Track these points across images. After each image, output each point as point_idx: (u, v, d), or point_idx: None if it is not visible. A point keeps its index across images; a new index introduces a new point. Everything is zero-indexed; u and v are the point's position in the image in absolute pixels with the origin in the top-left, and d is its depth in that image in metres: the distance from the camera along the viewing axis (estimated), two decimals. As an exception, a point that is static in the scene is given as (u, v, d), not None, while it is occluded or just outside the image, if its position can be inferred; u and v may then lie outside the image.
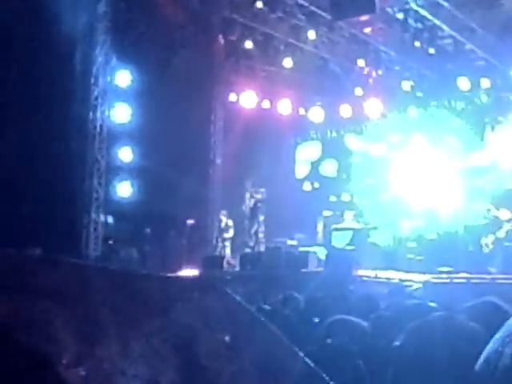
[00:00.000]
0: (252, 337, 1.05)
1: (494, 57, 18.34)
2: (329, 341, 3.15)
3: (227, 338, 1.01)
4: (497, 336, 1.03)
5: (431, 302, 4.80)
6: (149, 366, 0.92)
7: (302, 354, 1.12)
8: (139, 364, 0.91)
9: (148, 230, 16.70)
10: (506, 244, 15.98)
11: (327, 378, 1.17)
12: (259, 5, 16.71)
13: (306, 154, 23.83)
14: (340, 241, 18.76)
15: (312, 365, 1.14)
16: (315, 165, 23.59)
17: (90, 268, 1.10)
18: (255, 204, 18.92)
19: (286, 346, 1.08)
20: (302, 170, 23.82)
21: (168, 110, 16.52)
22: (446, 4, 16.16)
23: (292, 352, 1.11)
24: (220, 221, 18.17)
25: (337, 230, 19.48)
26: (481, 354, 1.84)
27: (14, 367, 0.85)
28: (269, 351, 1.05)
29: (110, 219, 16.07)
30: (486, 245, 15.88)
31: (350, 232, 18.99)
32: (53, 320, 0.90)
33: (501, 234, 16.57)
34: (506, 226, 17.08)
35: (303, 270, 14.45)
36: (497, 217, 17.10)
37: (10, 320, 0.88)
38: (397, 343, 1.91)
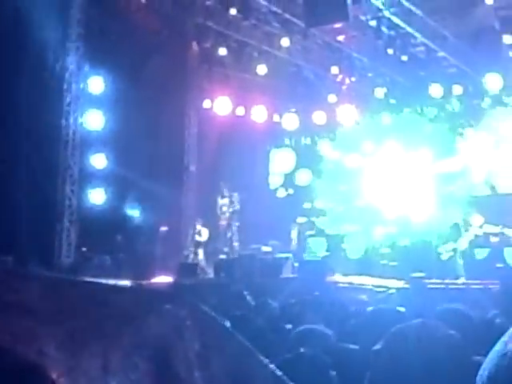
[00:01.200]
0: (222, 347, 1.04)
1: (466, 64, 18.59)
2: (302, 350, 3.15)
3: (198, 348, 1.01)
4: (495, 349, 1.03)
5: (404, 307, 4.83)
6: (129, 379, 0.92)
7: (271, 365, 1.11)
8: (120, 377, 0.91)
9: (121, 238, 16.59)
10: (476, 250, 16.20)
11: None
12: (233, 12, 16.74)
13: (280, 163, 23.83)
14: (315, 247, 18.83)
15: (281, 376, 1.14)
16: (289, 175, 23.63)
17: (67, 282, 1.09)
18: (230, 211, 18.87)
19: (256, 356, 1.08)
20: (276, 179, 23.85)
21: (141, 117, 16.46)
22: (418, 12, 16.34)
23: (262, 363, 1.10)
24: (194, 228, 18.11)
25: (311, 236, 19.54)
26: (457, 359, 1.85)
27: (9, 377, 0.85)
28: (239, 362, 1.05)
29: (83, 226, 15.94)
30: (442, 251, 15.98)
31: (324, 239, 19.06)
32: (38, 336, 0.89)
33: (469, 239, 16.75)
34: (477, 232, 17.27)
35: (278, 276, 14.46)
36: (468, 223, 17.27)
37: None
38: (376, 347, 1.92)
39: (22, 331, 0.89)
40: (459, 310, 4.16)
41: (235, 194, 18.85)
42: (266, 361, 1.05)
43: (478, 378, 1.06)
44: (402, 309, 4.69)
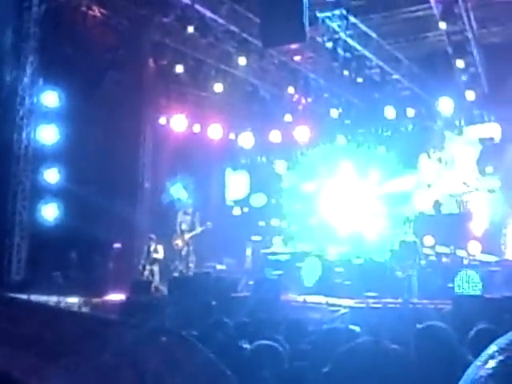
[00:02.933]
0: (186, 363, 1.02)
1: (419, 87, 18.94)
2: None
3: (155, 364, 0.99)
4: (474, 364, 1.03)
5: (357, 326, 4.85)
6: None
7: (233, 379, 1.10)
8: None
9: (73, 254, 16.34)
10: (428, 270, 16.42)
11: None
12: (190, 30, 16.75)
13: (235, 188, 23.80)
14: (271, 266, 18.86)
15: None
16: (244, 199, 23.61)
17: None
18: (190, 233, 18.75)
19: (222, 370, 1.06)
20: (232, 195, 23.83)
21: (96, 133, 16.30)
22: (373, 35, 16.62)
23: (225, 376, 1.09)
24: (148, 245, 17.94)
25: (266, 254, 19.55)
26: (409, 377, 1.85)
27: None
28: (201, 375, 1.03)
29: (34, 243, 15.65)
30: (395, 270, 16.15)
31: (279, 257, 19.09)
32: (42, 374, 0.86)
33: (421, 258, 16.99)
34: (429, 252, 17.53)
35: (232, 294, 14.40)
36: (420, 243, 17.52)
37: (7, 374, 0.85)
38: (325, 369, 1.90)
39: (26, 367, 0.86)
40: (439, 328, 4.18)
41: (197, 214, 18.79)
42: (231, 375, 1.03)
43: None
44: (357, 328, 4.71)
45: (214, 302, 11.84)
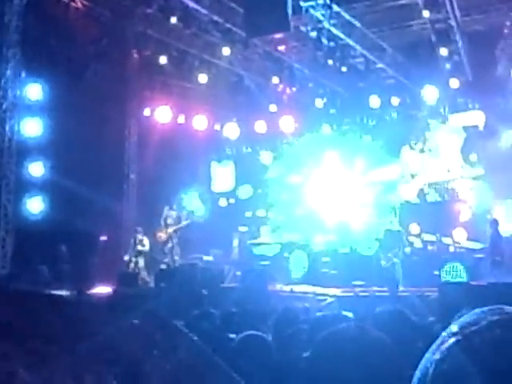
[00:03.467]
0: (176, 347, 1.03)
1: (404, 76, 18.97)
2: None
3: (147, 353, 0.99)
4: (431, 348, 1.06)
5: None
6: None
7: (224, 367, 1.10)
8: None
9: (63, 248, 16.27)
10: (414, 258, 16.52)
11: None
12: (173, 20, 16.67)
13: (221, 181, 23.69)
14: (258, 256, 18.90)
15: (233, 375, 1.13)
16: (230, 191, 23.54)
17: (35, 296, 1.05)
18: (174, 226, 18.74)
19: (208, 355, 1.07)
20: (218, 188, 23.74)
21: (81, 125, 16.19)
22: (357, 24, 16.61)
23: (215, 364, 1.09)
24: (135, 237, 17.91)
25: (253, 245, 19.57)
26: (388, 361, 1.86)
27: None
28: (192, 363, 1.03)
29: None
30: (381, 259, 16.22)
31: (266, 247, 19.13)
32: (10, 357, 0.86)
33: (407, 247, 17.09)
34: (415, 240, 17.63)
35: (219, 285, 14.40)
36: (407, 231, 17.61)
37: None
38: (305, 354, 1.91)
39: None
40: (400, 312, 4.22)
41: (184, 210, 18.80)
42: (219, 360, 1.04)
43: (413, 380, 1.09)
44: (350, 314, 4.73)
45: (204, 292, 11.86)
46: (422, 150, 20.33)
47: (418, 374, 1.05)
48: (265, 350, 3.77)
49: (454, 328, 1.05)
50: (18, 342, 0.91)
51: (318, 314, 4.77)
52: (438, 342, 1.06)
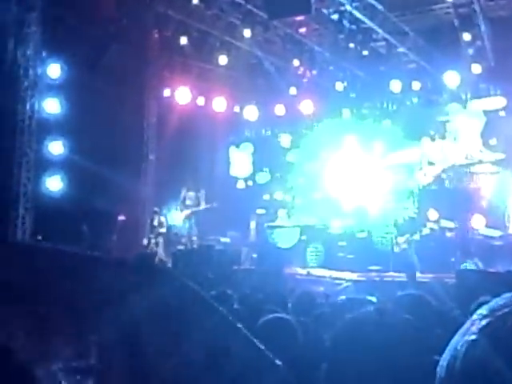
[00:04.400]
0: (201, 321, 1.02)
1: (425, 60, 18.78)
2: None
3: (174, 329, 0.98)
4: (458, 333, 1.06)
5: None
6: (100, 361, 0.89)
7: (252, 338, 1.09)
8: (91, 359, 0.88)
9: (84, 227, 16.38)
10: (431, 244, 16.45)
11: (279, 364, 1.15)
12: (195, 1, 16.61)
13: (239, 166, 23.60)
14: (276, 239, 18.92)
15: (263, 349, 1.12)
16: (249, 177, 23.50)
17: (41, 251, 1.04)
18: (193, 208, 18.83)
19: (237, 329, 1.06)
20: (236, 172, 23.67)
21: (100, 104, 16.23)
22: (379, 7, 16.44)
23: (243, 335, 1.08)
24: (153, 217, 18.00)
25: (270, 227, 19.59)
26: (412, 345, 1.85)
27: None
28: (218, 335, 1.03)
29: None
30: (398, 244, 16.20)
31: (284, 230, 19.14)
32: (10, 319, 0.85)
33: (425, 232, 17.04)
34: (433, 226, 17.54)
35: (236, 267, 14.47)
36: (425, 217, 17.54)
37: None
38: (329, 338, 1.91)
39: None
40: (421, 296, 4.21)
41: (202, 191, 18.84)
42: (247, 333, 1.03)
43: (438, 367, 1.09)
44: (373, 298, 4.72)
45: (216, 275, 11.90)
46: (442, 137, 20.18)
47: (447, 356, 1.04)
48: (290, 332, 3.77)
49: (484, 311, 1.05)
50: (19, 302, 0.90)
51: (342, 297, 4.76)
52: (467, 325, 1.05)
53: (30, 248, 1.08)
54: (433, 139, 20.16)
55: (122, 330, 0.93)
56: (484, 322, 1.02)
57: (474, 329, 1.02)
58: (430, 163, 20.07)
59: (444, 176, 19.85)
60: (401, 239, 16.32)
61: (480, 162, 19.39)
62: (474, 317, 1.06)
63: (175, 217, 18.72)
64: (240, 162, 23.52)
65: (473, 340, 1.00)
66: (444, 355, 1.07)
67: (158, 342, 0.95)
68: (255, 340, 1.10)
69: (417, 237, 16.46)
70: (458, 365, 1.01)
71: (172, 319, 0.99)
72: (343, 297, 4.78)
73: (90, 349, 0.89)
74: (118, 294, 0.97)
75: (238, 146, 23.58)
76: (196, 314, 1.04)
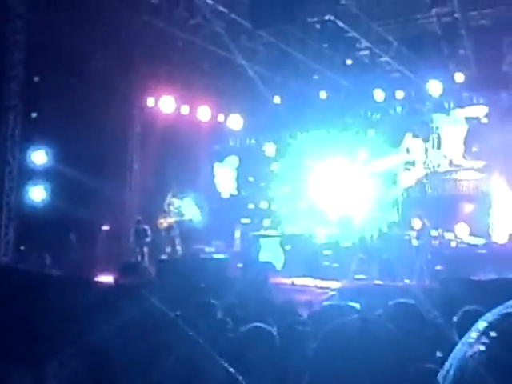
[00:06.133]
0: (172, 344, 1.00)
1: (408, 69, 18.88)
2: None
3: (145, 349, 0.96)
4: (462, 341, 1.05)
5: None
6: None
7: (222, 362, 1.08)
8: None
9: (71, 236, 16.28)
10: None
11: None
12: (178, 10, 16.59)
13: (224, 182, 23.56)
14: (261, 248, 18.90)
15: (234, 373, 1.11)
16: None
17: (24, 273, 1.02)
18: (176, 216, 18.79)
19: (209, 353, 1.04)
20: (221, 189, 23.61)
21: (84, 113, 16.17)
22: (363, 16, 16.51)
23: (213, 360, 1.07)
24: (137, 227, 17.91)
25: (255, 237, 19.57)
26: (396, 355, 1.84)
27: None
28: (190, 359, 1.01)
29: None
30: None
31: (269, 239, 19.12)
32: None
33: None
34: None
35: (221, 277, 14.40)
36: (409, 225, 17.59)
37: None
38: (312, 347, 1.89)
39: None
40: (406, 304, 4.20)
41: (186, 200, 18.80)
42: (218, 358, 1.02)
43: (440, 376, 1.07)
44: (357, 305, 4.71)
45: (202, 284, 11.84)
46: (425, 140, 20.35)
47: (452, 366, 1.03)
48: (270, 342, 3.75)
49: (489, 319, 1.04)
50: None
51: (325, 303, 4.74)
52: (472, 334, 1.04)
53: (9, 269, 1.05)
54: (415, 135, 20.31)
55: (85, 353, 0.90)
56: (493, 334, 1.01)
57: (484, 339, 1.01)
58: (412, 162, 20.20)
59: (426, 181, 19.96)
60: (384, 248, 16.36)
61: (463, 169, 19.53)
62: (480, 325, 1.05)
63: (159, 222, 18.66)
64: (225, 178, 23.49)
65: (482, 351, 0.99)
66: (448, 364, 1.06)
67: (125, 363, 0.92)
68: (224, 362, 1.09)
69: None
70: (468, 374, 1.00)
71: (141, 341, 0.97)
72: (327, 303, 4.77)
73: (49, 378, 0.86)
74: (79, 315, 0.94)
75: (221, 161, 23.52)
76: (165, 336, 1.02)
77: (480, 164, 19.00)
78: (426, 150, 20.39)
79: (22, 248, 15.40)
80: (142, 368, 0.93)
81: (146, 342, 0.96)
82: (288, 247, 18.58)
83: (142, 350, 0.94)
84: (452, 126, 20.04)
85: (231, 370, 1.09)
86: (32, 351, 0.87)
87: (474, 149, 19.29)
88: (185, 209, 19.01)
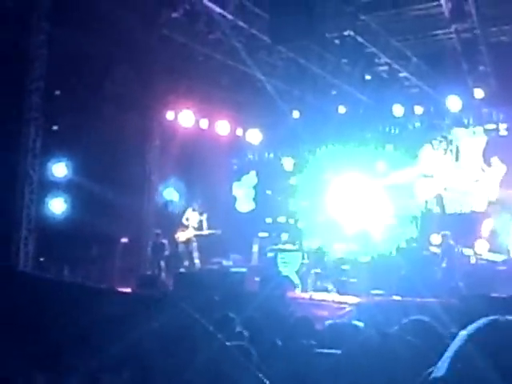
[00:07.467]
0: (202, 349, 1.03)
1: (427, 85, 18.87)
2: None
3: (175, 354, 0.99)
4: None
5: (364, 322, 4.84)
6: None
7: (252, 368, 1.10)
8: None
9: (94, 249, 16.40)
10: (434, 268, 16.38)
11: None
12: (198, 25, 16.71)
13: (243, 202, 23.62)
14: (279, 262, 18.89)
15: (261, 377, 1.13)
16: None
17: (49, 282, 1.05)
18: (195, 230, 18.85)
19: (236, 358, 1.07)
20: (240, 208, 23.67)
21: (104, 126, 16.31)
22: (382, 32, 16.55)
23: (241, 364, 1.09)
24: (155, 240, 17.98)
25: (273, 251, 19.56)
26: (414, 370, 1.86)
27: None
28: (218, 362, 1.03)
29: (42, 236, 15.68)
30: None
31: (287, 253, 19.10)
32: (8, 347, 0.85)
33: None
34: (436, 250, 17.48)
35: (239, 291, 14.41)
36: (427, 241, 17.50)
37: None
38: (333, 363, 1.91)
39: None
40: (421, 321, 4.19)
41: (205, 214, 18.87)
42: (248, 364, 1.04)
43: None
44: (360, 323, 4.71)
45: (219, 298, 11.85)
46: (444, 152, 20.30)
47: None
48: (285, 359, 3.76)
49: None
50: (23, 329, 0.90)
51: (327, 322, 4.74)
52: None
53: (34, 278, 1.08)
54: (433, 148, 20.26)
55: (126, 358, 0.93)
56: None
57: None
58: (430, 175, 20.15)
59: (444, 195, 19.89)
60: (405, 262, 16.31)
61: (481, 181, 19.46)
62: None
63: (177, 236, 18.73)
64: (243, 198, 23.56)
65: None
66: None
67: (160, 366, 0.95)
68: (252, 366, 1.12)
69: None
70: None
71: (172, 345, 1.00)
72: (329, 321, 4.77)
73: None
74: (119, 322, 0.97)
75: (239, 180, 23.58)
76: (195, 339, 1.04)
77: (499, 174, 18.92)
78: (445, 162, 20.32)
79: (42, 260, 15.50)
80: (175, 367, 0.96)
81: (177, 344, 0.99)
82: (306, 261, 18.55)
83: (174, 352, 0.97)
84: (471, 138, 20.00)
85: (261, 375, 1.12)
86: (56, 358, 0.90)
87: (492, 160, 19.24)
88: (203, 222, 19.05)
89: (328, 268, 17.91)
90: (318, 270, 17.38)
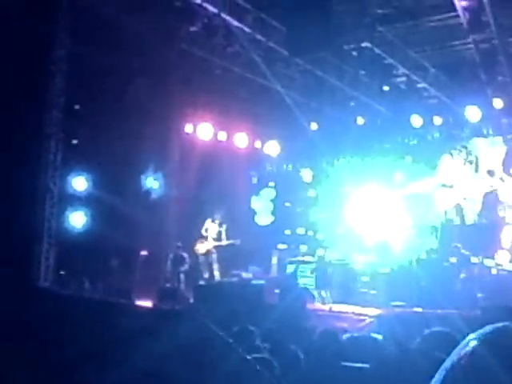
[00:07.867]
0: (222, 362, 1.05)
1: (446, 95, 18.82)
2: None
3: (195, 367, 1.01)
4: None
5: (383, 335, 4.83)
6: None
7: (273, 379, 1.12)
8: None
9: (114, 262, 16.48)
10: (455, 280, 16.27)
11: None
12: (217, 39, 16.81)
13: (261, 217, 23.63)
14: (298, 274, 18.87)
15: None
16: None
17: (69, 298, 1.07)
18: (214, 241, 18.89)
19: (257, 370, 1.09)
20: (260, 222, 23.68)
21: (123, 139, 16.42)
22: (400, 43, 16.55)
23: (262, 376, 1.11)
24: (175, 252, 18.03)
25: (292, 263, 19.53)
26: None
27: None
28: (239, 375, 1.05)
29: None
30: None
31: (306, 265, 19.07)
32: (28, 363, 0.88)
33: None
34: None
35: (259, 303, 14.39)
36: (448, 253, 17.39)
37: None
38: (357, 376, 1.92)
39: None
40: (447, 333, 4.18)
41: (224, 226, 18.90)
42: (269, 376, 1.06)
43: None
44: (379, 336, 4.69)
45: (239, 310, 11.85)
46: (463, 162, 20.23)
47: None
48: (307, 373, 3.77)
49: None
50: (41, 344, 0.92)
51: (345, 336, 4.73)
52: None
53: (55, 294, 1.11)
54: (453, 158, 20.20)
55: (147, 373, 0.95)
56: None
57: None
58: (449, 185, 20.06)
59: (462, 206, 19.77)
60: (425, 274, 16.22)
61: (501, 191, 19.35)
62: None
63: (196, 248, 18.76)
64: (262, 211, 23.58)
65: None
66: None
67: (181, 380, 0.97)
68: (274, 378, 1.14)
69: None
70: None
71: (193, 358, 1.02)
72: (348, 334, 4.76)
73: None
74: (138, 337, 0.99)
75: (258, 194, 23.59)
76: (215, 353, 1.07)
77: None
78: (464, 172, 20.24)
79: (62, 273, 15.60)
80: (195, 379, 0.98)
81: (197, 357, 1.01)
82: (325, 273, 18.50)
83: (194, 365, 0.99)
84: (490, 148, 19.91)
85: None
86: (77, 374, 0.92)
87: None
88: (222, 233, 19.08)
89: (349, 279, 17.85)
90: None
